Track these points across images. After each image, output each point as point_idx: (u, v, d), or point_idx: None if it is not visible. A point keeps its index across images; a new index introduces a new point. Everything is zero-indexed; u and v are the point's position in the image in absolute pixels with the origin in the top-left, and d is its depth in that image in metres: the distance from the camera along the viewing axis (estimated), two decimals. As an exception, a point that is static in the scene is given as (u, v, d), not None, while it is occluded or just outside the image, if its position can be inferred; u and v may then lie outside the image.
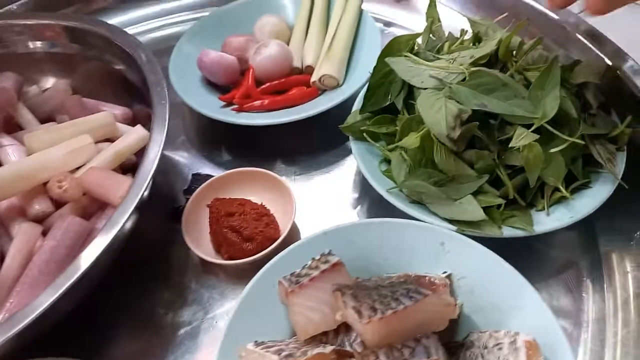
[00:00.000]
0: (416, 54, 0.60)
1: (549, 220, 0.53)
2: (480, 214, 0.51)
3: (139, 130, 0.62)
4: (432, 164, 0.54)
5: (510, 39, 0.54)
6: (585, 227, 0.58)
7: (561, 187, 0.53)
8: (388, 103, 0.61)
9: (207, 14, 0.86)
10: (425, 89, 0.56)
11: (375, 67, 0.61)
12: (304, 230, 0.63)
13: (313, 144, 0.72)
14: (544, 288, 0.55)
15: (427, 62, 0.57)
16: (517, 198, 0.54)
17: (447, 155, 0.52)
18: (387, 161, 0.61)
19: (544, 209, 0.54)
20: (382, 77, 0.61)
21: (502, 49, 0.54)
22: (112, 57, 0.68)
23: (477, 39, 0.61)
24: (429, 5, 0.64)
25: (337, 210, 0.65)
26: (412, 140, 0.54)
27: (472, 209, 0.52)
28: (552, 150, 0.51)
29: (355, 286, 0.46)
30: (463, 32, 0.62)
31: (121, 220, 0.49)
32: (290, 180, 0.69)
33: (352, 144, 0.62)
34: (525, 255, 0.57)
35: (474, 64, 0.55)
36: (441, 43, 0.62)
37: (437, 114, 0.51)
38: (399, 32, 0.87)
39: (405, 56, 0.59)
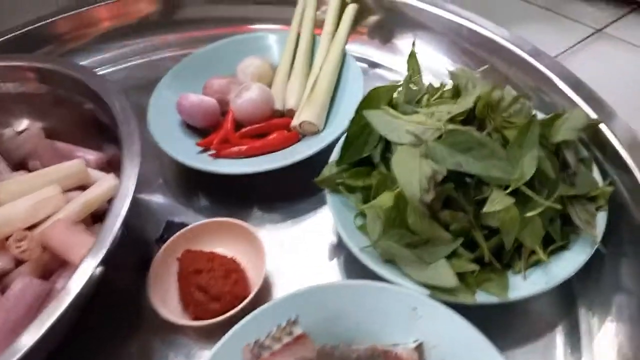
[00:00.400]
0: (394, 107, 0.59)
1: (525, 285, 0.51)
2: (453, 281, 0.49)
3: (109, 180, 0.61)
4: (406, 224, 0.52)
5: (489, 96, 0.53)
6: (564, 290, 0.56)
7: (538, 250, 0.51)
8: (365, 155, 0.60)
9: (192, 51, 0.85)
10: (402, 144, 0.54)
11: (353, 118, 0.60)
12: (277, 284, 0.61)
13: (291, 191, 0.70)
14: (520, 355, 0.53)
15: (404, 117, 0.56)
16: (493, 261, 0.52)
17: (421, 217, 0.51)
18: (364, 215, 0.59)
19: (520, 272, 0.52)
20: (360, 128, 0.60)
21: (480, 106, 0.53)
22: (87, 100, 0.67)
23: (457, 92, 0.59)
24: (410, 56, 0.63)
25: (312, 263, 0.63)
26: (385, 199, 0.52)
27: (445, 274, 0.50)
28: (529, 214, 0.49)
29: (319, 361, 0.44)
30: (442, 85, 0.61)
31: (78, 285, 0.47)
32: (266, 229, 0.67)
33: (328, 197, 0.60)
34: (502, 318, 0.54)
35: (451, 120, 0.53)
36: (420, 95, 0.60)
37: (411, 174, 0.49)
38: (384, 73, 0.86)
39: (383, 109, 0.57)
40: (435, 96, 0.59)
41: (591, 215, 0.54)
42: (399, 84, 0.61)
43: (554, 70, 0.69)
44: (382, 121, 0.56)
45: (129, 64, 0.94)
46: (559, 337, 0.54)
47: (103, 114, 0.65)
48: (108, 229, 0.51)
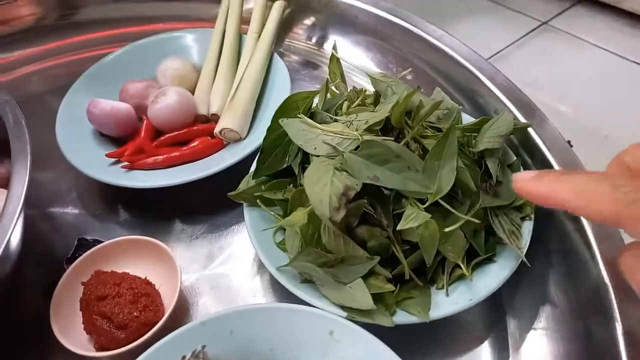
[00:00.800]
0: (312, 115, 0.55)
1: (447, 302, 0.49)
2: (368, 303, 0.46)
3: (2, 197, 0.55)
4: (322, 242, 0.49)
5: (405, 104, 0.50)
6: (493, 302, 0.54)
7: (461, 265, 0.49)
8: (285, 166, 0.56)
9: (111, 51, 0.79)
10: (318, 156, 0.51)
11: (269, 127, 0.56)
12: (194, 305, 0.57)
13: (214, 202, 0.66)
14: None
15: (321, 126, 0.52)
16: (414, 278, 0.49)
17: (336, 235, 0.48)
18: (284, 229, 0.55)
19: (443, 287, 0.50)
20: (277, 137, 0.56)
21: (396, 115, 0.50)
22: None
23: (377, 98, 0.56)
24: (330, 59, 0.60)
25: (233, 282, 0.59)
26: (299, 217, 0.49)
27: (361, 295, 0.47)
28: (448, 229, 0.46)
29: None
30: (362, 90, 0.57)
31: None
32: (185, 245, 0.63)
33: (245, 212, 0.57)
34: (427, 335, 0.52)
35: (369, 129, 0.50)
36: (340, 101, 0.57)
37: (322, 191, 0.46)
38: (318, 74, 0.82)
39: (300, 117, 0.54)
40: (355, 103, 0.56)
41: (516, 226, 0.52)
42: (317, 91, 0.57)
43: (485, 73, 0.67)
44: (298, 131, 0.52)
45: (45, 64, 0.88)
46: (487, 352, 0.52)
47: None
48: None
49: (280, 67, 0.74)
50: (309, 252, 0.49)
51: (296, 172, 0.55)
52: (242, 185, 0.58)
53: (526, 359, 0.51)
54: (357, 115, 0.52)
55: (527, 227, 0.52)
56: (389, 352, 0.44)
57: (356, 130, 0.50)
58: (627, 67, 0.98)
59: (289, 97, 0.56)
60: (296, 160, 0.55)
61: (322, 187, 0.46)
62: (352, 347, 0.46)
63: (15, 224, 0.48)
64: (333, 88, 0.60)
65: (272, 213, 0.55)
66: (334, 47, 0.60)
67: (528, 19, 1.18)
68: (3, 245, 0.46)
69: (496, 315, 0.55)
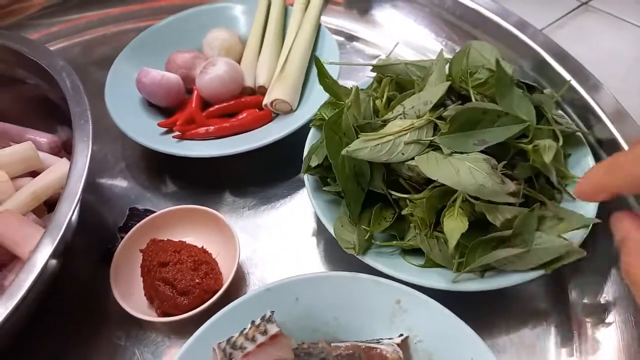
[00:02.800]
0: (361, 129, 0.51)
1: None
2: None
3: (61, 166, 0.55)
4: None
5: (460, 62, 0.49)
6: (555, 278, 0.53)
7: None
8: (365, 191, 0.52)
9: (153, 22, 0.78)
10: (409, 160, 0.48)
11: (337, 169, 0.49)
12: (251, 275, 0.57)
13: (264, 174, 0.66)
14: (509, 347, 0.50)
15: (387, 131, 0.49)
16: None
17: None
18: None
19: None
20: (349, 173, 0.50)
21: (457, 75, 0.50)
22: (36, 78, 0.61)
23: (398, 85, 0.56)
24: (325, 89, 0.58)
25: (289, 252, 0.59)
26: (456, 224, 0.46)
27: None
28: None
29: (297, 362, 0.40)
30: (382, 85, 0.56)
31: (27, 281, 0.42)
32: (238, 216, 0.62)
33: (306, 179, 0.56)
34: (489, 309, 0.52)
35: (434, 108, 0.49)
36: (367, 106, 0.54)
37: (474, 178, 0.44)
38: (361, 47, 0.81)
39: (361, 137, 0.49)
40: (384, 98, 0.54)
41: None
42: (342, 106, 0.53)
43: (539, 43, 0.66)
44: (371, 149, 0.48)
45: (87, 37, 0.87)
46: (551, 325, 0.52)
47: (54, 93, 0.59)
48: (59, 219, 0.46)
49: (328, 40, 0.73)
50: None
51: (382, 191, 0.51)
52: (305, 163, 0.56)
53: (590, 337, 0.51)
54: (403, 106, 0.51)
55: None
56: (456, 320, 0.44)
57: (418, 116, 0.49)
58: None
59: (325, 127, 0.50)
60: (376, 181, 0.51)
61: (470, 176, 0.44)
62: (419, 315, 0.46)
63: (80, 196, 0.48)
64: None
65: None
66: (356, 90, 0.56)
67: (567, -1, 1.16)
68: (68, 216, 0.46)
69: (561, 292, 0.54)
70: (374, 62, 0.57)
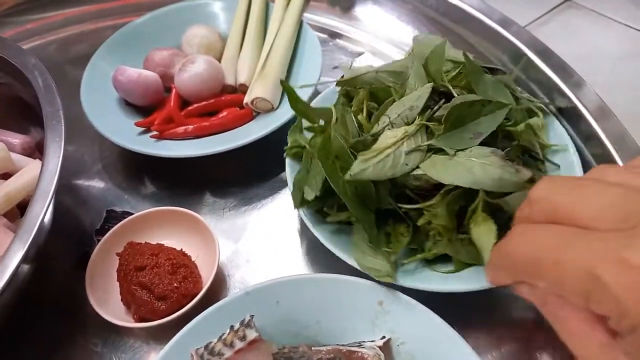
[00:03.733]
0: (354, 148, 0.48)
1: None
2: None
3: (35, 168, 0.53)
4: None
5: (439, 66, 0.49)
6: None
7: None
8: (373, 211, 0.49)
9: (132, 20, 0.76)
10: (415, 169, 0.46)
11: (351, 204, 0.47)
12: (231, 278, 0.56)
13: (245, 174, 0.65)
14: (493, 348, 0.49)
15: (382, 146, 0.47)
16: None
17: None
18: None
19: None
20: (357, 201, 0.48)
21: (437, 74, 0.50)
22: (8, 77, 0.59)
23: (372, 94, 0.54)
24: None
25: (270, 254, 0.58)
26: (484, 230, 0.44)
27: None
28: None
29: (276, 368, 0.39)
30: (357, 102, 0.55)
31: (-5, 288, 0.41)
32: (219, 217, 0.61)
33: (303, 215, 0.53)
34: (473, 311, 0.50)
35: (422, 111, 0.48)
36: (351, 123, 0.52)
37: (489, 172, 0.43)
38: (344, 44, 0.80)
39: (360, 157, 0.47)
40: (364, 111, 0.53)
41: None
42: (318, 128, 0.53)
43: (522, 40, 0.65)
44: (375, 167, 0.45)
45: (64, 34, 0.85)
46: (535, 328, 0.51)
47: (26, 93, 0.57)
48: (30, 222, 0.44)
49: (310, 36, 0.71)
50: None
51: (392, 206, 0.49)
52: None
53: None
54: (387, 116, 0.49)
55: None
56: (440, 322, 0.44)
57: (407, 123, 0.48)
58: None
59: (318, 153, 0.47)
60: (384, 197, 0.49)
61: (484, 172, 0.43)
62: (401, 317, 0.45)
63: (52, 197, 0.46)
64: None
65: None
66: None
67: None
68: (40, 218, 0.45)
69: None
70: (356, 60, 0.56)
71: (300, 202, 0.51)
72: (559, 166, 0.54)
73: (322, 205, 0.51)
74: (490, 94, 0.49)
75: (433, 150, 0.46)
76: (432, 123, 0.47)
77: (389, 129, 0.48)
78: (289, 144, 0.56)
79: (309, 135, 0.56)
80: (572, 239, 0.25)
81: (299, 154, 0.56)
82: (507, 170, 0.43)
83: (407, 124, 0.47)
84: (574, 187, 0.27)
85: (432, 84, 0.49)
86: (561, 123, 0.58)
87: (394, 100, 0.51)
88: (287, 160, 0.56)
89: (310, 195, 0.49)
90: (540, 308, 0.29)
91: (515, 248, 0.28)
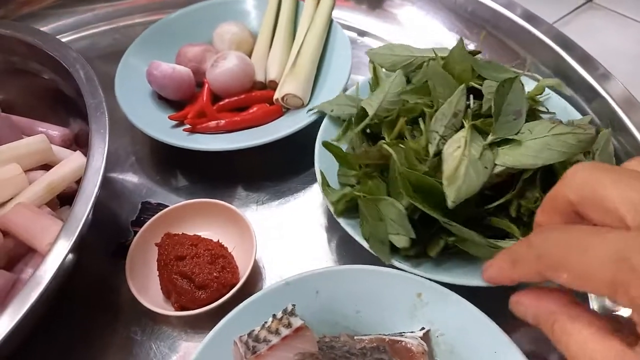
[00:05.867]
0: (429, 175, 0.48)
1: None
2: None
3: (76, 159, 0.55)
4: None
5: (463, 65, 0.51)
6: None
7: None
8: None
9: (163, 16, 0.77)
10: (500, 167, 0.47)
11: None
12: (267, 270, 0.57)
13: (277, 168, 0.66)
14: (530, 341, 0.50)
15: (454, 163, 0.46)
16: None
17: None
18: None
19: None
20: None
21: (465, 77, 0.51)
22: (48, 70, 0.60)
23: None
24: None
25: (304, 246, 0.58)
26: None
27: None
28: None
29: (322, 355, 0.40)
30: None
31: (47, 275, 0.42)
32: (252, 210, 0.62)
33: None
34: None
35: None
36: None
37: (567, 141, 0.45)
38: (372, 42, 0.81)
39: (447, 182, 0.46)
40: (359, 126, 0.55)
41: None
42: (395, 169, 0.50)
43: (548, 35, 0.66)
44: (472, 180, 0.45)
45: (94, 30, 0.86)
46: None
47: (66, 85, 0.58)
48: (78, 212, 0.46)
49: (339, 35, 0.72)
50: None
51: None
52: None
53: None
54: (435, 132, 0.49)
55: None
56: (478, 313, 0.44)
57: (456, 130, 0.48)
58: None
59: (338, 158, 0.53)
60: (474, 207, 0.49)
61: (560, 140, 0.45)
62: (440, 309, 0.46)
63: (99, 190, 0.47)
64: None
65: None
66: None
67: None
68: (88, 208, 0.46)
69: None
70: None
71: (388, 254, 0.49)
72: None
73: (415, 244, 0.48)
74: (495, 75, 0.51)
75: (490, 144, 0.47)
76: (478, 120, 0.48)
77: (442, 143, 0.48)
78: (330, 203, 0.52)
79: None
80: (603, 231, 0.25)
81: (350, 206, 0.52)
82: (578, 132, 0.44)
83: (456, 130, 0.48)
84: (615, 172, 0.27)
85: (464, 84, 0.50)
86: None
87: (418, 116, 0.51)
88: (321, 130, 0.59)
89: (403, 242, 0.47)
90: (545, 325, 0.29)
91: (545, 240, 0.28)
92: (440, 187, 0.44)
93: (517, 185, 0.47)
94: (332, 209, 0.51)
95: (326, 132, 0.59)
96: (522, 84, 0.49)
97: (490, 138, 0.47)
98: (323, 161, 0.56)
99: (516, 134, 0.47)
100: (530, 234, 0.30)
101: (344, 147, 0.57)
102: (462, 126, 0.48)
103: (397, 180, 0.47)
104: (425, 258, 0.49)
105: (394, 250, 0.48)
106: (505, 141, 0.47)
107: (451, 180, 0.44)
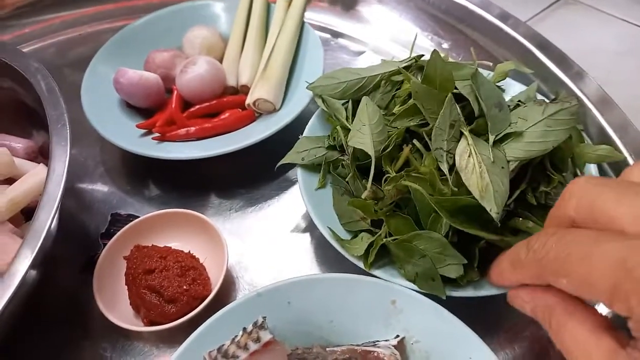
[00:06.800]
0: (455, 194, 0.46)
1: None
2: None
3: (39, 172, 0.53)
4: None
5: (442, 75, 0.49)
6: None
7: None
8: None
9: (130, 23, 0.76)
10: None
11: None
12: (240, 280, 0.55)
13: (250, 175, 0.64)
14: (507, 346, 0.49)
15: (473, 167, 0.45)
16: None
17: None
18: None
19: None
20: None
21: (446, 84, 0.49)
22: (9, 81, 0.58)
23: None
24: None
25: (279, 255, 0.57)
26: None
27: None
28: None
29: (292, 369, 0.39)
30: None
31: (5, 294, 0.40)
32: (225, 218, 0.61)
33: (299, 174, 0.55)
34: (484, 309, 0.50)
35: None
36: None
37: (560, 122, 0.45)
38: (347, 43, 0.80)
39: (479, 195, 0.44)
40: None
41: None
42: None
43: (523, 34, 0.66)
44: (498, 192, 0.44)
45: (61, 38, 0.84)
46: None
47: (28, 97, 0.56)
48: (38, 227, 0.44)
49: (311, 37, 0.71)
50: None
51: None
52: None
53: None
54: (441, 149, 0.47)
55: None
56: (453, 318, 0.43)
57: (458, 140, 0.47)
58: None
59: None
60: None
61: (557, 120, 0.45)
62: (415, 315, 0.45)
63: (59, 202, 0.46)
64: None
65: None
66: None
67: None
68: (48, 223, 0.44)
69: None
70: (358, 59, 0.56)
71: (443, 289, 0.46)
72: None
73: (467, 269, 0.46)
74: (457, 74, 0.50)
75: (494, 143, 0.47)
76: (471, 125, 0.48)
77: (450, 158, 0.47)
78: (356, 258, 0.49)
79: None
80: (605, 237, 0.25)
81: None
82: (566, 107, 0.44)
83: (457, 141, 0.47)
84: (614, 187, 0.27)
85: (450, 94, 0.48)
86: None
87: (422, 138, 0.49)
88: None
89: (456, 271, 0.46)
90: (543, 318, 0.29)
91: (544, 245, 0.27)
92: (475, 202, 0.43)
93: (528, 174, 0.47)
94: (362, 265, 0.48)
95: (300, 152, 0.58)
96: (483, 76, 0.49)
97: (492, 137, 0.46)
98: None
99: (510, 126, 0.47)
100: (531, 236, 0.30)
101: (327, 192, 0.55)
102: (462, 134, 0.47)
103: (426, 211, 0.45)
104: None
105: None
106: (506, 136, 0.46)
107: (483, 192, 0.43)
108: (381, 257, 0.48)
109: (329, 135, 0.57)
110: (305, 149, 0.57)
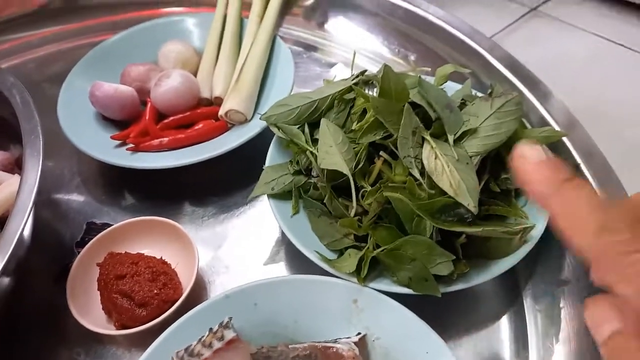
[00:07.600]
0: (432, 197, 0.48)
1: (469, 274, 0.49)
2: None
3: (14, 182, 0.54)
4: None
5: (402, 85, 0.51)
6: (510, 278, 0.54)
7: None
8: None
9: (109, 38, 0.78)
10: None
11: None
12: (212, 284, 0.57)
13: (223, 183, 0.66)
14: (466, 343, 0.51)
15: (441, 178, 0.47)
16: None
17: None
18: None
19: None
20: None
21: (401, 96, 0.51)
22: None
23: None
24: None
25: (249, 260, 0.59)
26: None
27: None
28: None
29: (254, 366, 0.40)
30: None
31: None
32: (198, 225, 0.62)
33: (272, 205, 0.55)
34: (444, 307, 0.51)
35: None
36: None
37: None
38: (318, 56, 0.82)
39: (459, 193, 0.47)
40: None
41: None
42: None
43: (489, 51, 0.68)
44: (471, 189, 0.46)
45: (40, 53, 0.86)
46: (505, 323, 0.53)
47: (4, 110, 0.58)
48: (9, 235, 0.45)
49: (283, 50, 0.74)
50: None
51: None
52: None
53: (543, 332, 0.52)
54: (409, 157, 0.48)
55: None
56: (411, 315, 0.45)
57: (433, 147, 0.48)
58: (618, 51, 1.00)
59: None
60: None
61: (508, 111, 0.49)
62: (376, 314, 0.47)
63: (31, 211, 0.47)
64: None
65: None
66: None
67: (517, 5, 1.20)
68: (19, 231, 0.46)
69: (513, 291, 0.55)
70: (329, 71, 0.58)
71: (438, 288, 0.47)
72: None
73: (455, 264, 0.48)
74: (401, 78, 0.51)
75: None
76: (432, 131, 0.50)
77: (419, 163, 0.48)
78: (349, 275, 0.49)
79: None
80: None
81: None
82: (510, 99, 0.48)
83: (421, 146, 0.49)
84: None
85: (407, 103, 0.50)
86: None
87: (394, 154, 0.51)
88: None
89: (446, 268, 0.47)
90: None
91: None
92: (452, 200, 0.45)
93: (488, 165, 0.50)
94: (356, 280, 0.49)
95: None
96: (428, 82, 0.52)
97: (451, 138, 0.49)
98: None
99: (464, 124, 0.49)
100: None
101: (301, 217, 0.55)
102: (424, 139, 0.49)
103: (408, 217, 0.47)
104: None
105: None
106: (463, 134, 0.49)
107: (456, 189, 0.45)
108: (372, 269, 0.49)
109: (291, 161, 0.58)
110: (273, 179, 0.57)
